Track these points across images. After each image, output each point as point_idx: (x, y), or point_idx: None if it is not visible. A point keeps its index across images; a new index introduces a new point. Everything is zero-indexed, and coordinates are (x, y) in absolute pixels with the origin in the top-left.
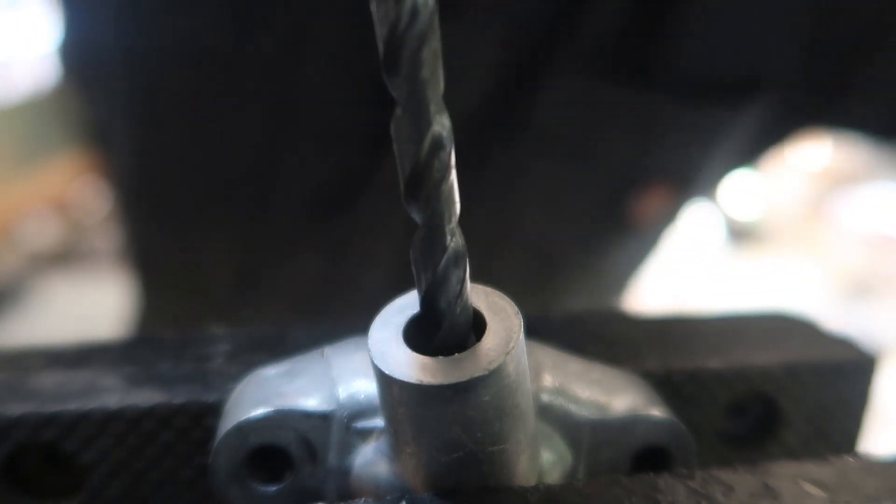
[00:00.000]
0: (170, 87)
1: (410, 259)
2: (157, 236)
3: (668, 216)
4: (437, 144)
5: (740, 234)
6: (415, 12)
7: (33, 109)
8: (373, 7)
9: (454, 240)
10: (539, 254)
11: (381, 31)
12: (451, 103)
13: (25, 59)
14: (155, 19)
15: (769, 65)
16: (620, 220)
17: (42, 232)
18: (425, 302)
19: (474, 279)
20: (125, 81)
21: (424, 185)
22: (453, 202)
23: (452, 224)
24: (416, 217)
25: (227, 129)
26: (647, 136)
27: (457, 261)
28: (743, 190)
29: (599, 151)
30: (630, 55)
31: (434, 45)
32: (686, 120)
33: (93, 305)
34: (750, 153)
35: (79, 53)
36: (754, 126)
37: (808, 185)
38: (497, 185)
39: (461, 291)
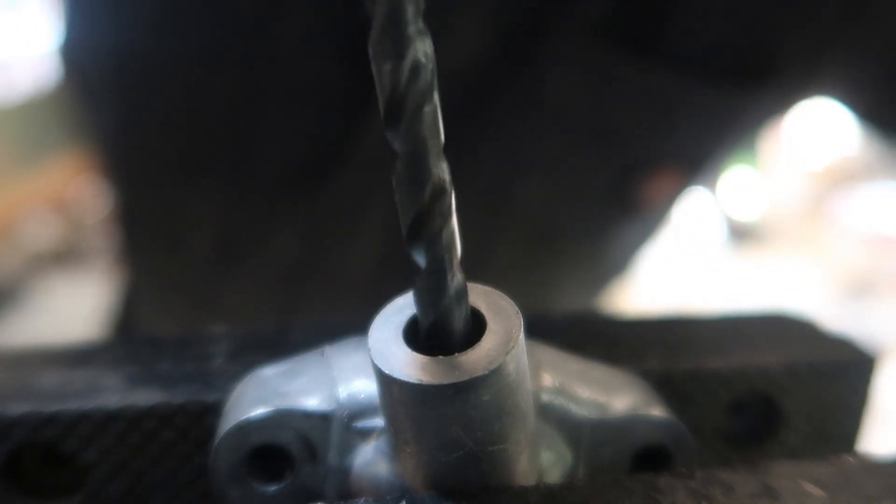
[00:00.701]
0: (143, 50)
1: (394, 193)
2: (140, 199)
3: (674, 200)
4: (439, 193)
5: (740, 233)
6: (416, 70)
7: (33, 109)
8: (373, 64)
9: (437, 170)
10: (538, 232)
11: (382, 88)
12: (447, 62)
13: (25, 59)
14: None
15: (784, 43)
16: (626, 202)
17: (42, 232)
18: (409, 240)
19: (471, 257)
20: (107, 49)
21: (405, 110)
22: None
23: (437, 155)
24: (397, 146)
25: (199, 88)
26: (660, 117)
27: (440, 193)
28: (743, 189)
29: (608, 130)
30: (639, 29)
31: (434, 101)
32: (701, 101)
33: (93, 305)
34: (754, 132)
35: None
36: (766, 106)
37: (808, 185)
38: (497, 156)
39: (445, 226)
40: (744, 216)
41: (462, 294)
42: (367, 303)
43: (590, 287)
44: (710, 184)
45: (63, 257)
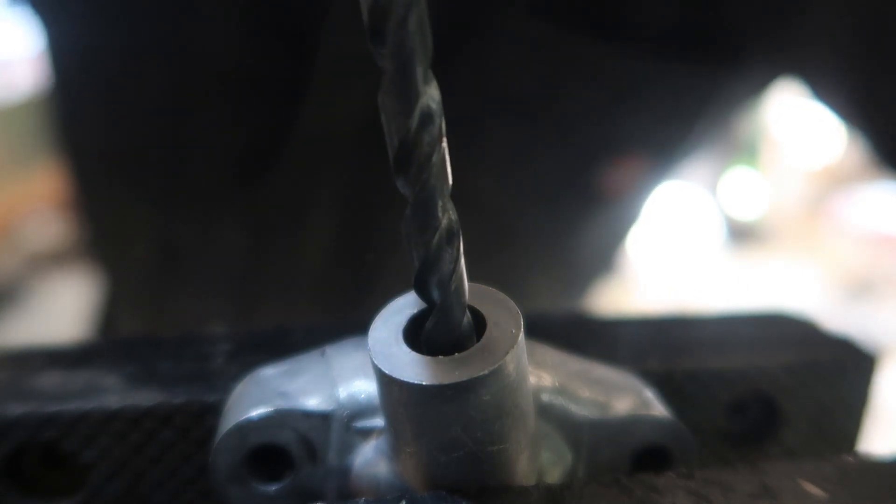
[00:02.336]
0: (69, 33)
1: (402, 236)
2: (83, 204)
3: (645, 190)
4: (427, 117)
5: (740, 233)
6: (424, 119)
7: (33, 109)
8: (383, 114)
9: (447, 215)
10: (496, 224)
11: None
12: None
13: (25, 58)
14: None
15: (748, 18)
16: (589, 191)
17: (42, 232)
18: (418, 283)
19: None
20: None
21: (414, 159)
22: (445, 177)
23: (445, 199)
24: (406, 193)
25: (121, 83)
26: (619, 102)
27: (450, 238)
28: (743, 189)
29: (564, 113)
30: (588, 5)
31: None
32: (663, 83)
33: (92, 305)
34: (725, 116)
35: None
36: (732, 88)
37: (808, 185)
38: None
39: (455, 270)
40: (744, 216)
41: (454, 234)
42: (320, 300)
43: (566, 288)
44: (710, 184)
45: (63, 257)
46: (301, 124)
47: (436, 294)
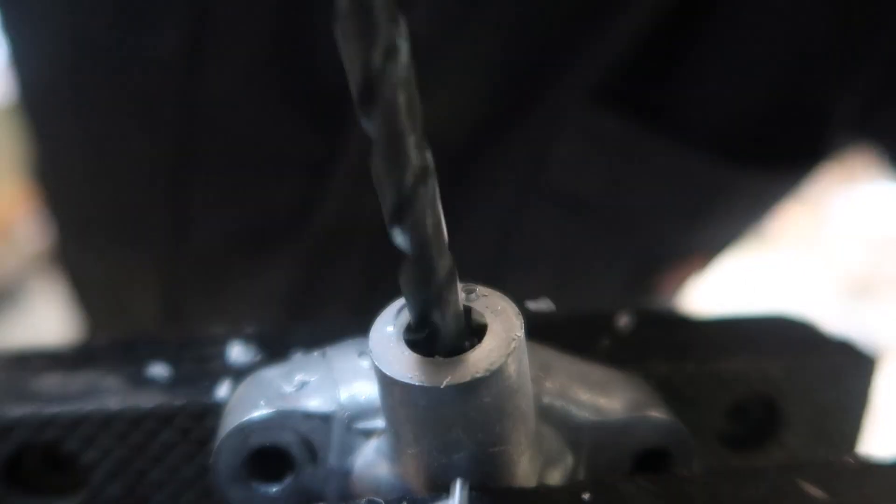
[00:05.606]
0: (55, 87)
1: (374, 182)
2: (80, 252)
3: (690, 285)
4: (392, 48)
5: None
6: (391, 52)
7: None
8: (342, 45)
9: (420, 154)
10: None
11: (353, 72)
12: (431, 133)
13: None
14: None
15: (825, 112)
16: (641, 295)
17: (42, 232)
18: (392, 227)
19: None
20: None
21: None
22: (415, 113)
23: (417, 137)
24: (371, 132)
25: (129, 141)
26: (689, 199)
27: (424, 177)
28: None
29: (626, 215)
30: (653, 96)
31: (412, 86)
32: (736, 184)
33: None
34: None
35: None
36: (811, 176)
37: (808, 184)
38: (485, 242)
39: (432, 212)
40: None
41: (429, 172)
42: None
43: None
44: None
45: None
46: (323, 208)
47: (412, 241)
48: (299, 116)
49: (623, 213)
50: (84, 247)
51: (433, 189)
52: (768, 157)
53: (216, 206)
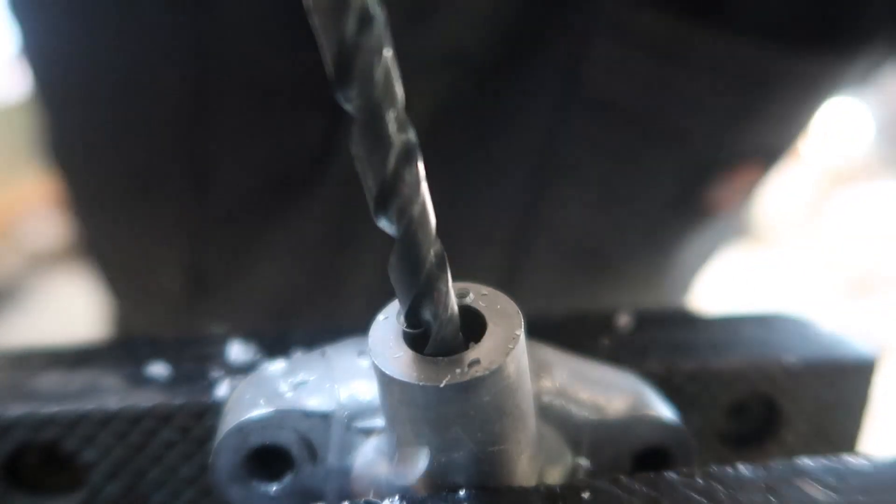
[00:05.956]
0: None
1: (354, 162)
2: (103, 228)
3: (752, 196)
4: (367, 23)
5: (741, 232)
6: (364, 20)
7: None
8: (313, 19)
9: (402, 134)
10: (578, 252)
11: (328, 43)
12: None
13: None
14: None
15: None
16: (693, 211)
17: (42, 232)
18: (377, 211)
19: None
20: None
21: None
22: (393, 89)
23: (397, 114)
24: (351, 109)
25: (140, 89)
26: (735, 99)
27: (407, 158)
28: None
29: (674, 120)
30: None
31: (387, 59)
32: (785, 76)
33: (93, 305)
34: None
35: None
36: (857, 74)
37: (808, 184)
38: (523, 154)
39: (416, 195)
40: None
41: (412, 153)
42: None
43: (655, 300)
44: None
45: (63, 257)
46: (341, 137)
47: (398, 227)
48: (315, 47)
49: (666, 119)
50: (105, 215)
51: (417, 171)
52: (812, 40)
53: (235, 152)
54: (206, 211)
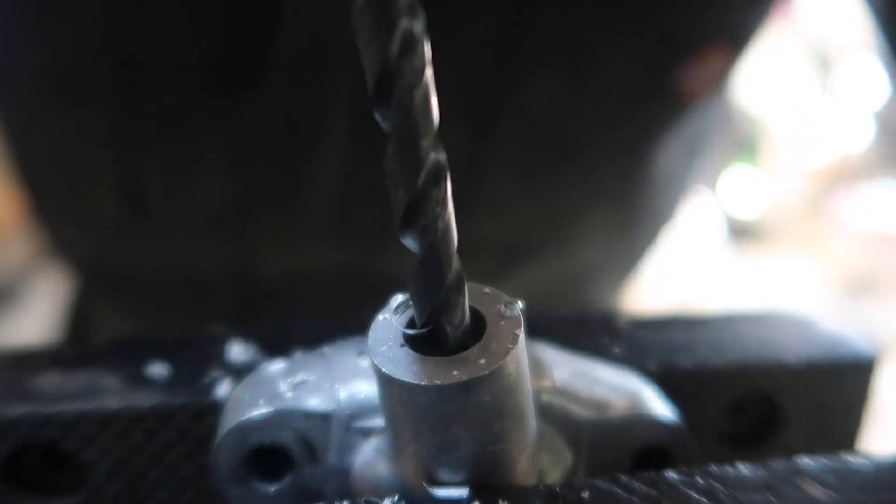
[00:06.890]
0: None
1: (385, 175)
2: (27, 138)
3: (719, 89)
4: (409, 43)
5: (741, 232)
6: (408, 43)
7: None
8: (360, 40)
9: (433, 154)
10: (546, 140)
11: (370, 64)
12: None
13: None
14: None
15: None
16: (665, 96)
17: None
18: (403, 227)
19: (457, 180)
20: None
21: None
22: (430, 111)
23: (431, 135)
24: (387, 127)
25: None
26: None
27: (437, 178)
28: (743, 188)
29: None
30: None
31: (427, 82)
32: None
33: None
34: None
35: None
36: None
37: (808, 184)
38: (491, 38)
39: (442, 213)
40: (744, 215)
41: (441, 174)
42: (334, 238)
43: (629, 221)
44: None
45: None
46: (288, 30)
47: (422, 244)
48: None
49: None
50: (29, 121)
51: (445, 191)
52: None
53: (167, 40)
54: (139, 114)
